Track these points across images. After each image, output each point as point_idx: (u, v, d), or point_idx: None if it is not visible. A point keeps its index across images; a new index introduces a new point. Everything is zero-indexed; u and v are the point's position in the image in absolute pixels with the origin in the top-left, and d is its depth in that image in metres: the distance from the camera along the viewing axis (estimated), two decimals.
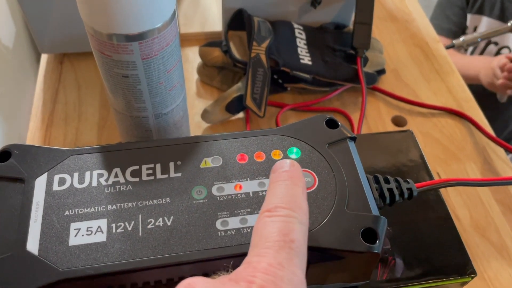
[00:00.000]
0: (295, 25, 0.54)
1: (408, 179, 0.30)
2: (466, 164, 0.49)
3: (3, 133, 0.62)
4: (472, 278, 0.29)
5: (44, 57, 0.56)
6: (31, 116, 0.51)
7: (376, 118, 0.53)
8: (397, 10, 0.65)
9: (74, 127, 0.50)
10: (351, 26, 0.56)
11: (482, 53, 0.96)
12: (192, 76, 0.55)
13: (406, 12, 0.65)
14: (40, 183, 0.25)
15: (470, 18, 0.97)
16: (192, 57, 0.57)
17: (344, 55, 0.53)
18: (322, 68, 0.51)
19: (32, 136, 0.48)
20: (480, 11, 0.95)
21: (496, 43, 0.93)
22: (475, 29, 0.96)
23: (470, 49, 0.97)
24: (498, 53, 0.94)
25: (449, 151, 0.50)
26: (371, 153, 0.35)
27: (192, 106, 0.52)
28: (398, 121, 0.53)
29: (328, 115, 0.30)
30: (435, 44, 0.61)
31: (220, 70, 0.54)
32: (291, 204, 0.21)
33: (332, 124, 0.29)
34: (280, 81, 0.52)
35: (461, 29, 0.97)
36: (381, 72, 0.55)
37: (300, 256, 0.20)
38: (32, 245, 0.23)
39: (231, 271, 0.19)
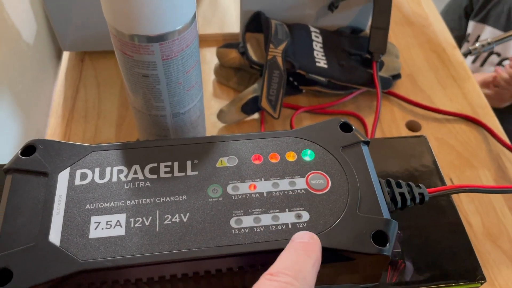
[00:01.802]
0: (312, 29, 0.54)
1: (420, 184, 0.30)
2: (480, 171, 0.49)
3: (22, 128, 0.64)
4: (482, 284, 0.30)
5: (65, 55, 0.58)
6: (51, 112, 0.53)
7: (390, 122, 0.53)
8: (413, 15, 0.65)
9: (93, 124, 0.51)
10: (367, 31, 0.57)
11: (483, 62, 0.96)
12: (209, 77, 0.56)
13: (422, 16, 0.65)
14: (63, 177, 0.26)
15: (473, 25, 0.96)
16: (210, 58, 0.58)
17: (360, 59, 0.54)
18: (337, 72, 0.51)
19: (52, 132, 0.50)
20: (484, 20, 0.94)
21: (498, 54, 0.93)
22: (477, 38, 0.95)
23: (471, 58, 0.97)
24: (499, 63, 0.93)
25: (463, 158, 0.50)
26: (384, 158, 0.35)
27: (208, 106, 0.53)
28: (412, 126, 0.53)
29: (342, 119, 0.30)
30: (452, 50, 0.61)
31: (237, 71, 0.55)
32: (295, 273, 0.21)
33: (346, 128, 0.30)
34: (295, 83, 0.52)
35: (461, 36, 0.97)
36: (397, 77, 0.56)
37: None
38: (54, 236, 0.24)
39: None
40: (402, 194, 0.29)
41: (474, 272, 0.30)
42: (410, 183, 0.30)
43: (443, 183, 0.34)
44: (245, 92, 0.50)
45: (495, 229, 0.44)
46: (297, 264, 0.22)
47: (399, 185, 0.30)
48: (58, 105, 0.53)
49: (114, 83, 0.55)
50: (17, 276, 0.23)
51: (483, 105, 0.55)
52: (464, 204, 0.46)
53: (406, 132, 0.52)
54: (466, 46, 0.97)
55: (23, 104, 0.64)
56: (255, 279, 0.25)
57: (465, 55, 0.61)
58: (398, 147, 0.36)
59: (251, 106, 0.50)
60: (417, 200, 0.29)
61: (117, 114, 0.52)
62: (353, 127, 0.30)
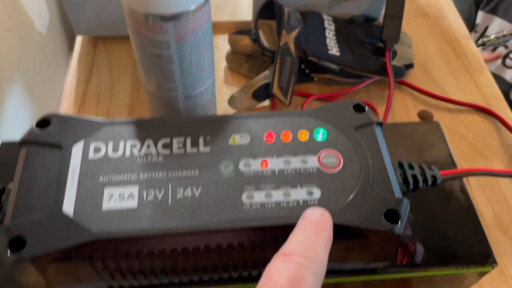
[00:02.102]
0: (325, 16, 0.54)
1: (432, 167, 0.30)
2: (492, 161, 0.49)
3: (36, 111, 0.65)
4: (493, 267, 0.29)
5: (79, 39, 0.58)
6: (64, 96, 0.53)
7: (402, 112, 0.53)
8: (428, 6, 0.65)
9: (105, 108, 0.51)
10: (381, 20, 0.56)
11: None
12: (220, 64, 0.56)
13: (437, 8, 0.65)
14: (77, 150, 0.27)
15: (482, 16, 0.95)
16: (222, 45, 0.58)
17: (372, 48, 0.53)
18: (350, 60, 0.51)
19: None
20: (494, 11, 0.93)
21: (506, 46, 0.92)
22: (486, 28, 0.94)
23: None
24: (506, 56, 0.92)
25: (475, 148, 0.50)
26: (396, 143, 0.35)
27: (220, 92, 0.53)
28: (424, 115, 0.53)
29: (356, 100, 0.30)
30: (466, 41, 0.60)
31: (249, 58, 0.55)
32: (309, 253, 0.21)
33: (359, 108, 0.30)
34: (307, 71, 0.52)
35: (469, 26, 0.96)
36: (409, 66, 0.55)
37: None
38: (68, 207, 0.24)
39: None
40: (414, 176, 0.29)
41: (486, 256, 0.30)
42: (423, 165, 0.30)
43: (456, 168, 0.34)
44: (257, 79, 0.50)
45: (506, 219, 0.44)
46: (309, 244, 0.22)
47: (411, 167, 0.30)
48: (71, 89, 0.53)
49: (126, 67, 0.55)
50: (30, 244, 0.23)
51: (496, 96, 0.54)
52: (475, 193, 0.46)
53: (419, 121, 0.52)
54: (473, 36, 0.95)
55: (36, 89, 0.65)
56: (266, 255, 0.26)
57: (479, 46, 0.60)
58: (410, 132, 0.36)
59: (262, 92, 0.50)
60: (429, 182, 0.29)
61: (129, 98, 0.52)
62: (366, 108, 0.30)
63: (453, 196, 0.32)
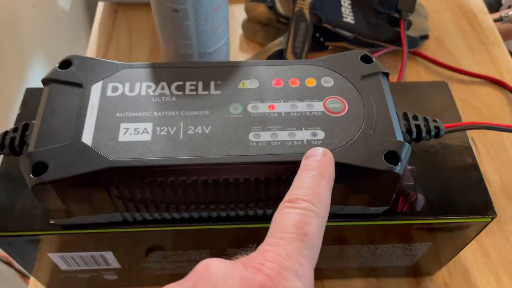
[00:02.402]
0: None
1: (437, 119, 0.31)
2: (503, 132, 0.49)
3: None
4: (492, 219, 0.30)
5: (100, 5, 0.60)
6: None
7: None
8: None
9: None
10: None
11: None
12: (236, 32, 0.57)
13: None
14: (96, 89, 0.28)
15: None
16: (238, 14, 0.59)
17: (387, 18, 0.54)
18: (364, 28, 0.52)
19: None
20: None
21: None
22: (510, 7, 0.92)
23: None
24: None
25: (487, 119, 0.50)
26: (403, 100, 0.36)
27: (234, 59, 0.54)
28: None
29: (364, 51, 0.31)
30: (483, 16, 0.60)
31: (264, 26, 0.56)
32: (312, 197, 0.22)
33: (367, 59, 0.31)
34: (321, 39, 0.53)
35: (496, 3, 0.94)
36: (424, 37, 0.55)
37: (311, 249, 0.20)
38: (87, 137, 0.26)
39: (253, 250, 0.21)
40: (417, 126, 0.30)
41: (486, 207, 0.30)
42: (427, 117, 0.31)
43: None
44: (271, 45, 0.51)
45: None
46: (312, 188, 0.23)
47: (415, 118, 0.30)
48: (91, 53, 0.55)
49: (145, 33, 0.57)
50: (51, 169, 0.25)
51: (511, 70, 0.54)
52: (484, 163, 0.46)
53: None
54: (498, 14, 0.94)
55: (60, 51, 0.67)
56: (270, 191, 0.27)
57: (496, 21, 0.60)
58: (418, 91, 0.37)
59: (276, 58, 0.51)
60: (433, 133, 0.30)
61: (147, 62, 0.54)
62: (374, 59, 0.31)
63: (456, 150, 0.33)
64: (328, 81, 0.29)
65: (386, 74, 0.30)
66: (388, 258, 0.36)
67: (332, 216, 0.29)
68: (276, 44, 0.51)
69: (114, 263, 0.34)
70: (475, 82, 0.53)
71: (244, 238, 0.32)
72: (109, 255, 0.32)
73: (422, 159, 0.33)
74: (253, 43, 0.56)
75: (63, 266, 0.33)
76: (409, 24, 0.54)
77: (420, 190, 0.31)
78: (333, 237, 0.32)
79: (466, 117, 0.50)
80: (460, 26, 0.59)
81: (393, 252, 0.35)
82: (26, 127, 0.29)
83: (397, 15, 0.53)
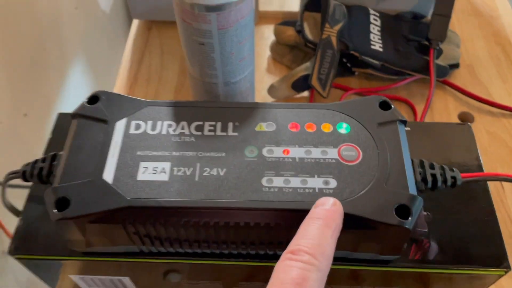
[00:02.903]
0: (371, 11, 0.54)
1: (454, 168, 0.31)
2: None
3: (95, 86, 0.70)
4: (506, 272, 0.30)
5: (135, 23, 0.62)
6: (118, 75, 0.57)
7: (442, 111, 0.52)
8: (482, 5, 0.63)
9: (154, 88, 0.55)
10: (429, 17, 0.56)
11: None
12: (264, 53, 0.58)
13: (492, 7, 0.63)
14: (120, 126, 0.30)
15: None
16: (267, 35, 0.60)
17: (417, 46, 0.53)
18: (392, 56, 0.51)
19: (118, 92, 0.54)
20: None
21: None
22: None
23: None
24: None
25: None
26: (423, 142, 0.36)
27: (261, 80, 0.55)
28: (465, 117, 0.52)
29: (382, 97, 0.31)
30: None
31: (292, 49, 0.56)
32: (315, 250, 0.22)
33: (385, 106, 0.31)
34: (348, 64, 0.53)
35: None
36: (455, 66, 0.54)
37: None
38: (108, 175, 0.27)
39: None
40: (433, 175, 0.30)
41: (500, 259, 0.30)
42: (444, 166, 0.31)
43: (482, 171, 0.34)
44: (297, 69, 0.52)
45: None
46: (316, 239, 0.23)
47: (432, 167, 0.30)
48: (124, 68, 0.57)
49: (176, 52, 0.58)
50: (73, 205, 0.26)
51: None
52: (509, 200, 0.45)
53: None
54: None
55: (97, 65, 0.70)
56: (279, 236, 0.28)
57: None
58: (439, 132, 0.36)
59: (302, 83, 0.51)
60: (449, 183, 0.30)
61: (177, 81, 0.55)
62: (392, 106, 0.31)
63: (474, 196, 0.33)
64: (344, 127, 0.30)
65: (404, 122, 0.30)
66: None
67: (342, 260, 0.30)
68: (302, 69, 0.51)
69: (131, 286, 0.35)
70: (506, 115, 0.52)
71: (256, 273, 0.33)
72: (126, 280, 0.34)
73: (438, 205, 0.33)
74: (280, 65, 0.57)
75: (83, 286, 0.35)
76: (440, 52, 0.53)
77: (434, 237, 0.31)
78: (343, 278, 0.33)
79: (494, 152, 0.49)
80: (493, 54, 0.57)
81: None
82: (54, 157, 0.31)
83: (427, 43, 0.52)
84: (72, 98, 0.61)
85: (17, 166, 0.32)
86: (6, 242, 0.49)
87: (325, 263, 0.23)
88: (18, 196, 0.36)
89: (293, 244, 0.23)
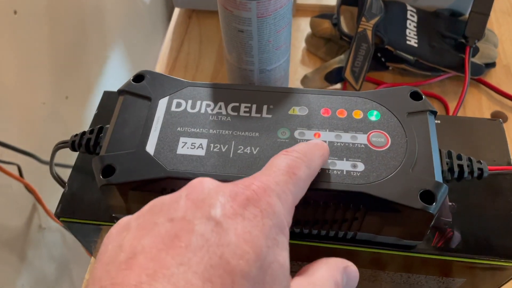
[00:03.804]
0: (409, 7, 0.55)
1: (482, 161, 0.31)
2: None
3: (133, 70, 0.73)
4: None
5: (176, 11, 0.64)
6: (158, 60, 0.60)
7: (475, 110, 0.52)
8: None
9: (191, 75, 0.57)
10: (467, 16, 0.56)
11: None
12: (300, 44, 0.59)
13: None
14: (162, 103, 0.32)
15: None
16: (304, 27, 0.61)
17: (453, 43, 0.53)
18: (427, 52, 0.52)
19: None
20: None
21: None
22: None
23: None
24: None
25: None
26: (453, 135, 0.36)
27: (294, 71, 0.56)
28: (498, 116, 0.52)
29: (414, 87, 0.32)
30: None
31: (327, 41, 0.57)
32: (306, 153, 0.25)
33: (416, 96, 0.32)
34: (383, 59, 0.54)
35: None
36: (491, 65, 0.54)
37: (296, 186, 0.23)
38: (150, 147, 0.30)
39: None
40: (460, 166, 0.30)
41: None
42: (472, 158, 0.31)
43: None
44: (331, 62, 0.53)
45: None
46: (307, 149, 0.25)
47: (459, 158, 0.31)
48: (164, 55, 0.60)
49: (214, 41, 0.60)
50: (118, 172, 0.28)
51: None
52: None
53: None
54: None
55: (136, 51, 0.73)
56: (307, 213, 0.29)
57: None
58: (468, 127, 0.37)
59: (335, 75, 0.52)
60: (475, 175, 0.31)
61: (213, 68, 0.57)
62: (423, 96, 0.31)
63: (501, 193, 0.33)
64: (374, 115, 0.31)
65: (434, 113, 0.31)
66: (421, 287, 0.37)
67: (365, 243, 0.31)
68: (336, 62, 0.52)
69: None
70: None
71: None
72: None
73: (463, 196, 0.33)
74: (315, 57, 0.58)
75: None
76: (476, 51, 0.53)
77: (458, 227, 0.32)
78: (366, 261, 0.34)
79: None
80: None
81: (426, 282, 0.36)
82: (100, 130, 0.33)
83: (463, 41, 0.52)
84: (111, 83, 0.64)
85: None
86: (44, 218, 0.53)
87: (314, 166, 0.25)
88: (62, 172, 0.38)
89: (287, 148, 0.25)
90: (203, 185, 0.21)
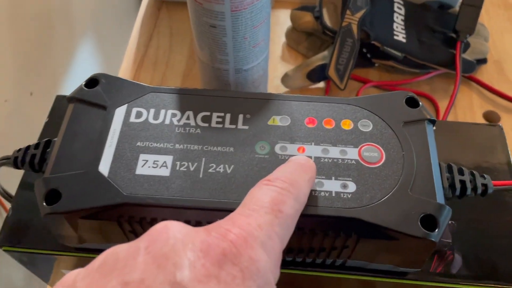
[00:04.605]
0: None
1: (485, 175, 0.28)
2: None
3: (105, 66, 0.67)
4: None
5: (144, 2, 0.59)
6: (124, 57, 0.54)
7: (466, 109, 0.49)
8: None
9: (161, 72, 0.52)
10: (457, 8, 0.52)
11: None
12: (279, 39, 0.55)
13: None
14: (120, 113, 0.27)
15: None
16: (283, 20, 0.56)
17: (443, 38, 0.50)
18: (416, 48, 0.48)
19: (123, 75, 0.52)
20: None
21: None
22: None
23: None
24: None
25: None
26: (451, 142, 0.33)
27: (274, 68, 0.52)
28: (490, 116, 0.49)
29: (410, 93, 0.28)
30: None
31: (308, 36, 0.53)
32: (292, 182, 0.21)
33: (412, 102, 0.28)
34: (368, 55, 0.50)
35: None
36: (482, 61, 0.51)
37: (283, 227, 0.19)
38: (104, 167, 0.25)
39: None
40: (462, 182, 0.27)
41: None
42: (475, 172, 0.28)
43: None
44: (314, 59, 0.49)
45: None
46: (293, 175, 0.22)
47: (461, 172, 0.27)
48: (131, 50, 0.54)
49: (186, 34, 0.55)
50: (64, 198, 0.24)
51: None
52: None
53: (482, 122, 0.48)
54: None
55: (105, 46, 0.67)
56: (290, 243, 0.25)
57: None
58: (468, 133, 0.33)
59: (318, 73, 0.48)
60: (479, 191, 0.27)
61: (185, 65, 0.53)
62: (420, 103, 0.28)
63: (506, 208, 0.30)
64: (366, 125, 0.27)
65: (433, 122, 0.27)
66: None
67: (357, 269, 0.27)
68: (319, 59, 0.48)
69: None
70: None
71: None
72: None
73: (464, 213, 0.30)
74: (296, 53, 0.54)
75: None
76: (467, 46, 0.50)
77: (458, 249, 0.28)
78: (356, 286, 0.30)
79: None
80: None
81: None
82: (48, 144, 0.28)
83: (454, 36, 0.49)
84: (79, 78, 0.59)
85: (22, 144, 0.30)
86: None
87: (302, 197, 0.21)
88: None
89: (269, 176, 0.21)
90: (168, 233, 0.17)
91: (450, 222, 0.29)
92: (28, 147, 0.28)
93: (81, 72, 0.60)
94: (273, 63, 0.53)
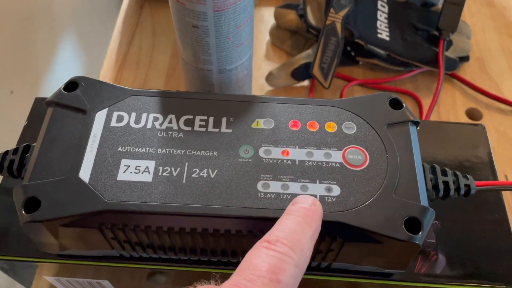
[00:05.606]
0: None
1: (468, 175, 0.28)
2: None
3: (84, 69, 0.66)
4: None
5: (126, 0, 0.58)
6: (106, 56, 0.54)
7: (449, 107, 0.49)
8: None
9: (143, 72, 0.52)
10: (439, 6, 0.52)
11: None
12: (263, 37, 0.55)
13: None
14: (100, 117, 0.27)
15: None
16: (267, 18, 0.56)
17: (426, 36, 0.50)
18: (399, 46, 0.48)
19: (105, 75, 0.51)
20: None
21: None
22: None
23: None
24: None
25: None
26: (434, 142, 0.33)
27: (258, 67, 0.52)
28: (472, 114, 0.49)
29: (393, 94, 0.28)
30: None
31: (293, 34, 0.53)
32: (293, 243, 0.20)
33: (396, 104, 0.28)
34: (352, 53, 0.50)
35: None
36: (464, 59, 0.51)
37: None
38: (84, 173, 0.24)
39: (217, 283, 0.18)
40: (446, 183, 0.27)
41: (511, 276, 0.28)
42: (457, 172, 0.28)
43: (495, 178, 0.31)
44: (298, 57, 0.48)
45: None
46: (295, 234, 0.20)
47: (444, 173, 0.27)
48: (113, 49, 0.54)
49: (169, 33, 0.55)
50: (44, 206, 0.23)
51: None
52: None
53: (465, 120, 0.49)
54: None
55: (88, 44, 0.66)
56: None
57: None
58: (451, 133, 0.33)
59: (302, 72, 0.48)
60: (462, 192, 0.27)
61: (169, 64, 0.52)
62: (404, 104, 0.28)
63: (488, 208, 0.30)
64: (350, 127, 0.27)
65: (416, 123, 0.27)
66: None
67: (343, 271, 0.27)
68: (303, 57, 0.48)
69: None
70: None
71: None
72: (106, 283, 0.31)
73: (447, 213, 0.30)
74: (280, 51, 0.54)
75: (60, 287, 0.33)
76: (449, 44, 0.50)
77: (442, 249, 0.29)
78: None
79: (502, 153, 0.46)
80: (505, 47, 0.54)
81: None
82: (27, 149, 0.27)
83: (436, 33, 0.49)
84: (61, 77, 0.58)
85: (2, 143, 0.29)
86: None
87: (303, 261, 0.20)
88: None
89: (269, 235, 0.20)
90: None
91: (434, 222, 0.30)
92: (6, 152, 0.28)
93: (62, 71, 0.59)
94: (257, 61, 0.52)
